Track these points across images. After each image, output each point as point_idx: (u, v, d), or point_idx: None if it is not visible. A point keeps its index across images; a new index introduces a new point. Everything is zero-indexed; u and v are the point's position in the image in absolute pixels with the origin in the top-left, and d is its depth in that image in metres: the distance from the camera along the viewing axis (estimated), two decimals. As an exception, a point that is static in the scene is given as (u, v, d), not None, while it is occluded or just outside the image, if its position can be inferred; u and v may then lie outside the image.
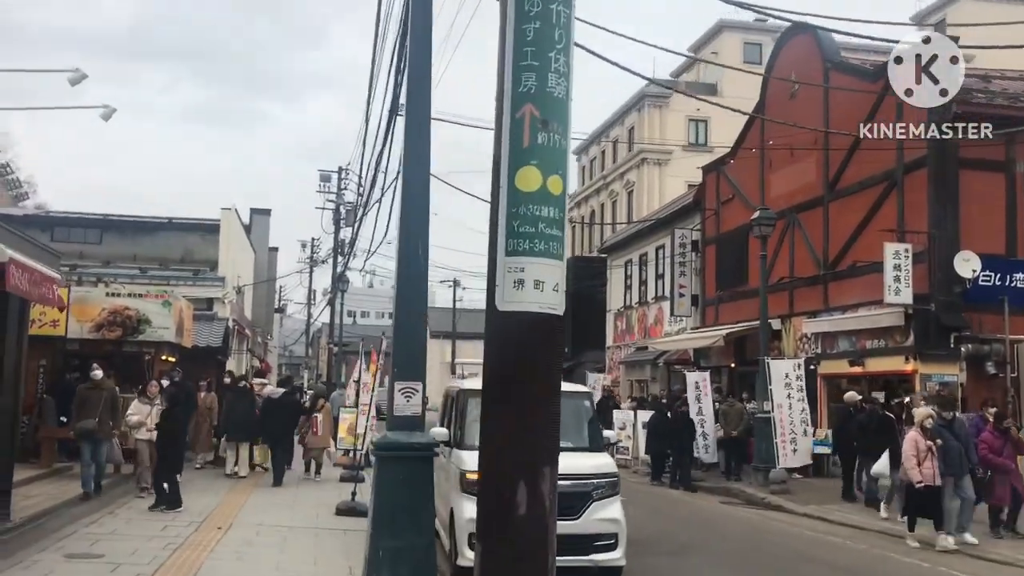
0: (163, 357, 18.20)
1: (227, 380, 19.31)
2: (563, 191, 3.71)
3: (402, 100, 11.71)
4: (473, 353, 63.36)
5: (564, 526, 9.34)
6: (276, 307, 49.61)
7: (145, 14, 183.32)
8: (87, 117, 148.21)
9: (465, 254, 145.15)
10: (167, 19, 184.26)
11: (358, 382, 17.71)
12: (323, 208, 39.95)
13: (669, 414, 19.12)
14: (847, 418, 16.35)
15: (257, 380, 18.73)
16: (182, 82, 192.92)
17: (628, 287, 33.21)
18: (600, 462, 9.50)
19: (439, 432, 9.94)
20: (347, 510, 12.64)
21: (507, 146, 3.68)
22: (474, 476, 8.95)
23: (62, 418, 15.22)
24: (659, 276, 30.45)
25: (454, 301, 58.35)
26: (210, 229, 30.63)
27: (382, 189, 20.80)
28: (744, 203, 24.73)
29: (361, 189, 27.75)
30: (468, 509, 8.29)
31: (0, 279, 8.80)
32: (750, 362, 24.16)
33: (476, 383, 11.17)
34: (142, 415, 13.27)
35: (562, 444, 9.99)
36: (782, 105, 23.03)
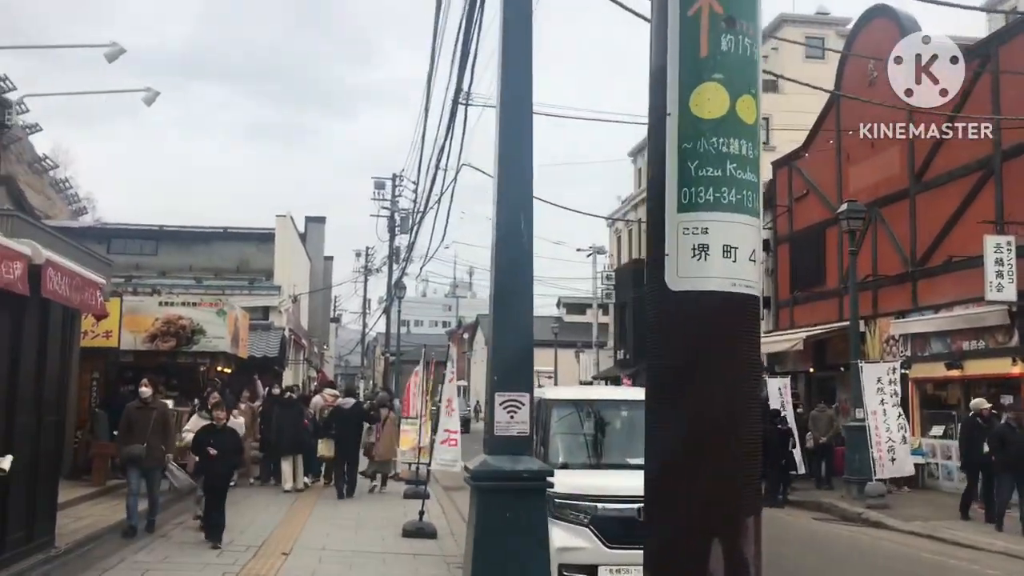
0: (219, 368, 17.38)
1: (275, 391, 18.38)
2: (757, 119, 2.57)
3: (464, 85, 10.65)
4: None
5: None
6: (332, 317, 49.02)
7: (202, 34, 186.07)
8: (145, 135, 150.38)
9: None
10: (224, 40, 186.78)
11: (422, 392, 16.67)
12: (377, 216, 39.23)
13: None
14: (973, 427, 14.63)
15: (329, 391, 17.90)
16: (237, 100, 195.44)
17: (692, 290, 31.78)
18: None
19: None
20: (415, 531, 11.57)
21: (676, 56, 2.54)
22: (563, 499, 7.94)
23: (115, 432, 14.42)
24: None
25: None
26: (265, 238, 30.01)
27: (441, 188, 19.81)
28: (820, 199, 23.27)
29: (416, 193, 26.90)
30: (558, 538, 7.18)
31: (36, 283, 7.87)
32: (830, 367, 22.71)
33: (559, 392, 10.07)
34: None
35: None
36: (860, 93, 21.54)
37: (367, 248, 45.94)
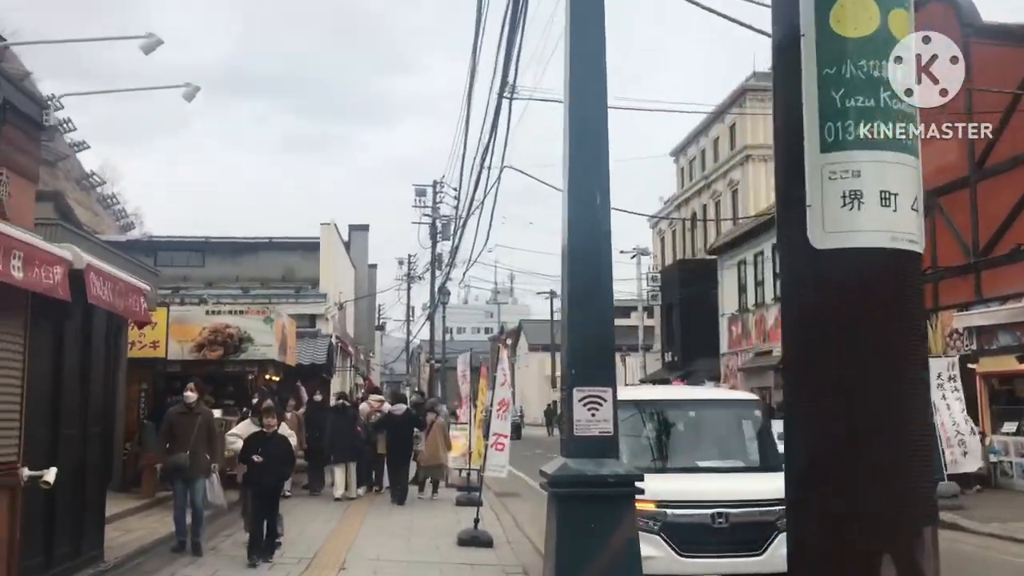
0: (267, 376, 17.11)
1: (317, 398, 17.95)
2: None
3: (509, 78, 10.20)
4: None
5: (746, 564, 7.72)
6: (376, 324, 48.90)
7: (240, 51, 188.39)
8: (189, 149, 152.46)
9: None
10: (261, 55, 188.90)
11: (470, 397, 16.27)
12: (419, 223, 38.99)
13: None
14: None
15: (375, 397, 17.62)
16: (277, 113, 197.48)
17: (742, 289, 31.00)
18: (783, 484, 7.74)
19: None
20: (470, 540, 11.13)
21: (810, -38, 2.07)
22: (645, 507, 7.40)
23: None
24: (778, 275, 28.26)
25: (551, 313, 56.78)
26: (310, 247, 29.91)
27: (484, 189, 19.43)
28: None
29: (457, 199, 26.56)
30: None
31: (79, 289, 7.56)
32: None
33: (622, 392, 9.52)
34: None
35: (732, 463, 8.29)
36: (914, 80, 20.81)
37: (409, 256, 45.80)
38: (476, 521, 11.52)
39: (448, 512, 14.34)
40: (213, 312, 16.86)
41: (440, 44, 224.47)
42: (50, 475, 7.20)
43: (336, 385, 24.58)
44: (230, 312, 16.79)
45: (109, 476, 9.69)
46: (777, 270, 28.43)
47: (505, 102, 12.10)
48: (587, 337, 5.44)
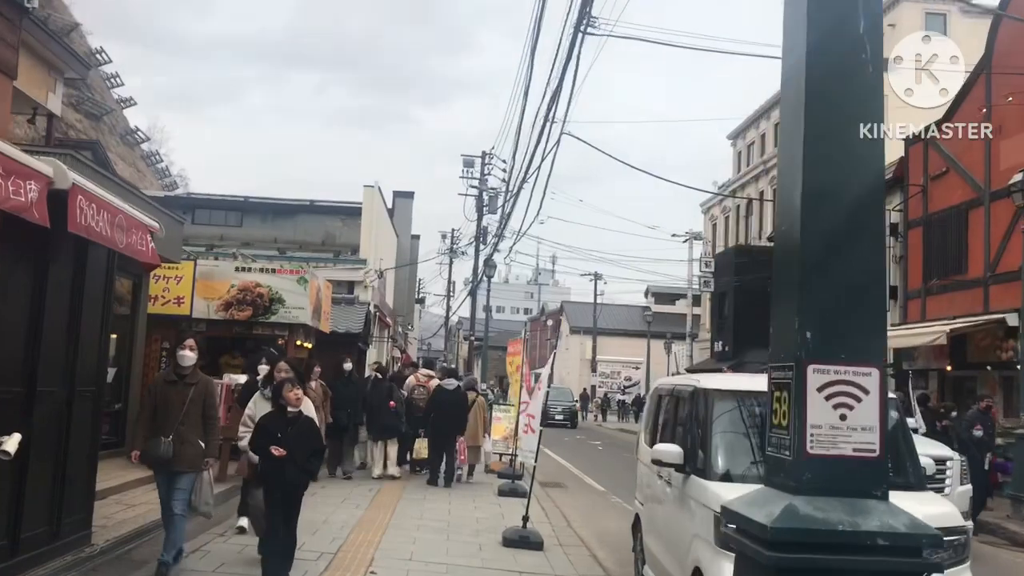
0: (298, 342, 15.63)
1: (347, 365, 15.99)
2: None
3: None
4: (617, 350, 59.78)
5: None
6: (416, 297, 47.48)
7: (297, 24, 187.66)
8: (243, 120, 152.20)
9: (608, 241, 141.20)
10: (317, 29, 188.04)
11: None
12: (465, 194, 37.35)
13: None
14: None
15: (423, 371, 16.14)
16: (331, 87, 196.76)
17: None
18: (939, 509, 5.95)
19: (667, 451, 6.71)
20: (518, 540, 9.53)
21: None
22: (735, 523, 5.73)
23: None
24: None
25: (595, 295, 55.05)
26: (352, 212, 28.43)
27: (543, 152, 17.69)
28: (963, 177, 20.41)
29: (512, 159, 24.85)
30: (728, 572, 5.01)
31: (61, 214, 6.02)
32: (973, 365, 19.91)
33: (721, 380, 7.83)
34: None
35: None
36: (1019, 56, 18.68)
37: (452, 230, 44.20)
38: (525, 519, 9.92)
39: (490, 502, 12.78)
40: (243, 268, 15.36)
41: (502, 25, 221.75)
42: (10, 443, 5.69)
43: (372, 356, 23.09)
44: (261, 270, 15.28)
45: (97, 444, 8.06)
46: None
47: (580, 39, 10.38)
48: (838, 277, 3.30)
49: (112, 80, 47.57)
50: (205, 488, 7.20)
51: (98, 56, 45.86)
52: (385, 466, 14.18)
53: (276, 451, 6.58)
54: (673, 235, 42.51)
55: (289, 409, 6.85)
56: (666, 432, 7.65)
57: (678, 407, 7.49)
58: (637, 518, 8.38)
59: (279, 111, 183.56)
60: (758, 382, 9.06)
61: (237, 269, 15.27)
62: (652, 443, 7.90)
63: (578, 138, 18.27)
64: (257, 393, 8.18)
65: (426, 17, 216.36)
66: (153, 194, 33.95)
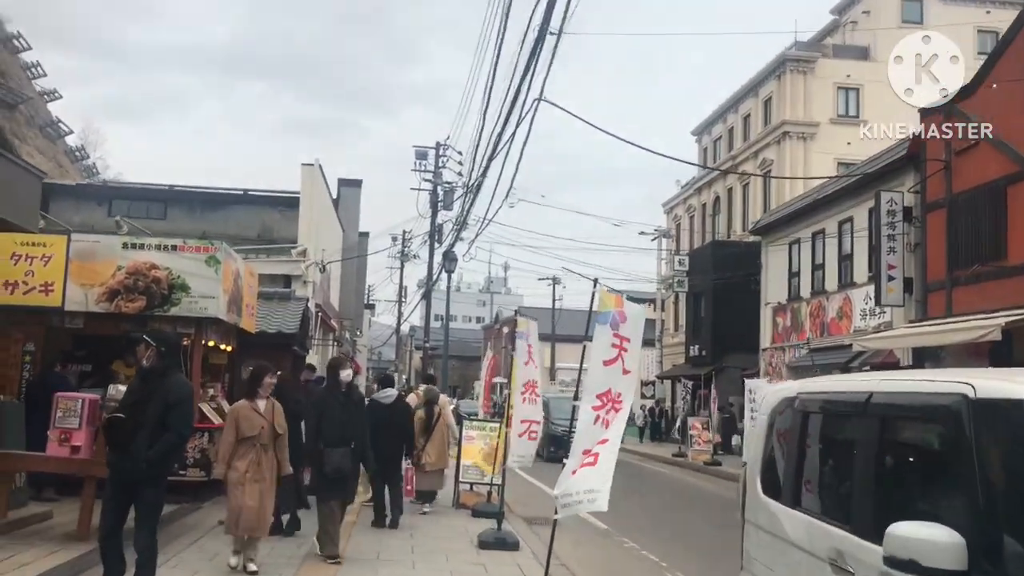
0: (208, 342, 11.64)
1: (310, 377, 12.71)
2: None
3: None
4: (574, 357, 56.28)
5: None
6: (365, 303, 43.34)
7: (245, 31, 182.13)
8: (185, 131, 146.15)
9: (564, 249, 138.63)
10: (266, 35, 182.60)
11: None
12: (419, 189, 33.49)
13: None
14: None
15: (426, 387, 12.73)
16: (279, 96, 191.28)
17: (794, 275, 25.62)
18: None
19: (930, 541, 2.97)
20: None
21: None
22: None
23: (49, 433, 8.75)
24: (844, 258, 22.92)
25: (553, 300, 51.55)
26: (291, 204, 24.35)
27: (519, 116, 14.17)
28: (999, 148, 17.20)
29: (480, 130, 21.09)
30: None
31: None
32: (1019, 365, 16.69)
33: (817, 383, 4.12)
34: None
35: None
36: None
37: (404, 231, 40.20)
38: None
39: (469, 559, 8.75)
40: (134, 245, 11.26)
41: (451, 37, 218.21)
42: None
43: (314, 361, 19.07)
44: (158, 247, 11.20)
45: None
46: (845, 250, 23.08)
47: None
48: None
49: (34, 70, 42.81)
50: None
51: (16, 43, 41.17)
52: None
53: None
54: (641, 232, 39.10)
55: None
56: (838, 484, 3.90)
57: (883, 440, 3.64)
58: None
59: (226, 120, 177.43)
60: (835, 384, 5.15)
61: (125, 246, 11.14)
62: (795, 500, 4.16)
63: (555, 104, 14.76)
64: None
65: (371, 26, 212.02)
66: (65, 182, 29.57)
